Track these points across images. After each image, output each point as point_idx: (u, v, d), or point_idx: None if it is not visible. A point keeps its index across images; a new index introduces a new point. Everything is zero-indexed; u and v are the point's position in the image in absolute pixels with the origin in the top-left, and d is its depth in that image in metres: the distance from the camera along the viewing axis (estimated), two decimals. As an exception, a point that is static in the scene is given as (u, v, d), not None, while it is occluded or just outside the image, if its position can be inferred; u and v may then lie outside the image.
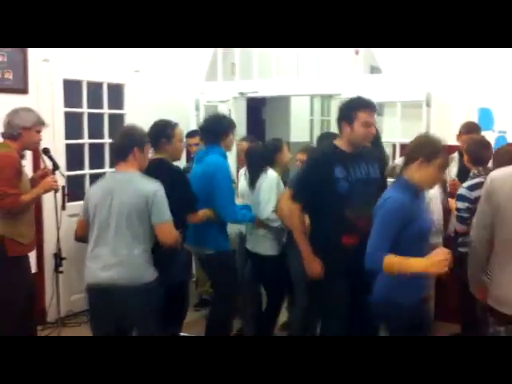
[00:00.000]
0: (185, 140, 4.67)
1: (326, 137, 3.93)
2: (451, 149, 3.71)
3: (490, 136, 4.35)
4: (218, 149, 3.73)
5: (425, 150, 2.62)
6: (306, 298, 3.75)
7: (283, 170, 4.04)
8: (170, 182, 3.11)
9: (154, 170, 3.15)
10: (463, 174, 4.12)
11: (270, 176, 3.84)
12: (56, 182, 3.70)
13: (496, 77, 4.42)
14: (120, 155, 3.02)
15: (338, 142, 3.15)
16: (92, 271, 2.97)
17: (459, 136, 4.31)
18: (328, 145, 3.23)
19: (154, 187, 2.95)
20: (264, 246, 3.86)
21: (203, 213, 3.57)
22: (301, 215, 3.15)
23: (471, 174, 3.78)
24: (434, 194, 3.76)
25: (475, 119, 4.52)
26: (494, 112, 4.50)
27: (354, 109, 3.03)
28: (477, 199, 3.51)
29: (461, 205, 3.67)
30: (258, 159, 3.96)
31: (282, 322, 4.50)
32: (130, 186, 2.95)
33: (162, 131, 3.50)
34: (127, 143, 3.02)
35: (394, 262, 2.47)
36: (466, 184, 3.72)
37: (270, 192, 3.79)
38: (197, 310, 4.94)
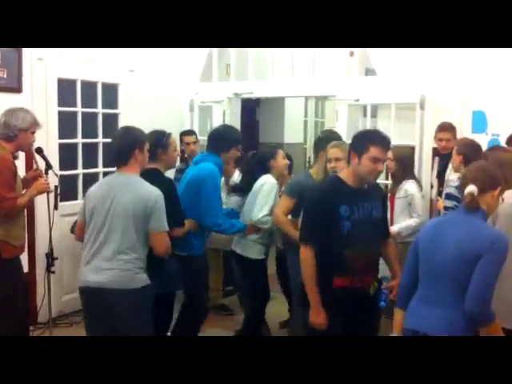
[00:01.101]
0: (178, 141, 4.69)
1: (326, 137, 3.93)
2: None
3: (484, 139, 4.36)
4: (215, 158, 3.74)
5: (496, 179, 2.50)
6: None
7: (279, 177, 4.03)
8: (162, 193, 3.08)
9: (148, 179, 3.11)
10: (442, 177, 4.32)
11: (270, 181, 3.85)
12: (48, 183, 3.68)
13: (490, 80, 4.43)
14: (121, 159, 3.00)
15: (343, 175, 2.98)
16: (84, 274, 2.96)
17: (448, 138, 4.36)
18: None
19: (154, 194, 2.94)
20: (253, 250, 3.87)
21: (187, 225, 3.56)
22: (314, 260, 2.89)
23: (459, 174, 3.79)
24: (414, 190, 4.21)
25: (469, 122, 4.54)
26: (487, 115, 4.51)
27: (367, 141, 2.86)
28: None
29: (448, 203, 3.83)
30: (254, 165, 4.03)
31: (281, 321, 4.55)
32: (130, 190, 2.93)
33: (158, 141, 3.50)
34: (127, 146, 2.99)
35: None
36: (454, 184, 3.87)
37: (268, 196, 3.78)
38: None
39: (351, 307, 2.88)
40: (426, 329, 2.38)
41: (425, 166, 4.68)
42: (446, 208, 3.83)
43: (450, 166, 4.13)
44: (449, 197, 3.83)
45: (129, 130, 3.14)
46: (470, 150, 3.83)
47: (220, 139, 3.80)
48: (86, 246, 2.99)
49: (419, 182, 4.43)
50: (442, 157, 4.39)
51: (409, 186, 4.24)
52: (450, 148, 4.20)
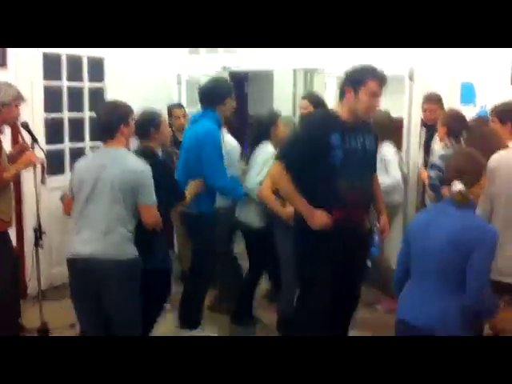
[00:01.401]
0: (167, 115, 4.65)
1: None
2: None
3: (472, 110, 4.37)
4: (212, 113, 3.70)
5: (483, 167, 2.47)
6: (294, 288, 3.50)
7: (279, 145, 3.90)
8: (156, 171, 3.10)
9: (142, 158, 3.12)
10: (427, 148, 4.39)
11: (267, 150, 3.81)
12: (35, 156, 3.65)
13: (478, 51, 4.41)
14: (107, 134, 3.00)
15: (336, 108, 2.88)
16: (73, 245, 2.98)
17: (434, 109, 4.36)
18: (325, 110, 3.03)
19: (141, 167, 2.96)
20: (254, 217, 3.86)
21: (192, 189, 3.58)
22: (288, 176, 2.82)
23: (443, 144, 3.93)
24: (390, 155, 4.26)
25: (457, 93, 4.54)
26: (476, 86, 4.51)
27: (365, 75, 2.75)
28: None
29: (433, 173, 3.82)
30: (256, 133, 3.96)
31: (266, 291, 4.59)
32: (117, 164, 2.94)
33: (151, 120, 3.46)
34: (113, 121, 2.99)
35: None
36: (438, 154, 3.90)
37: (263, 165, 3.73)
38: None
39: (349, 241, 2.80)
40: (420, 321, 2.35)
41: (413, 137, 4.69)
42: (430, 178, 3.84)
43: (436, 136, 4.13)
44: (433, 167, 3.84)
45: (114, 104, 3.13)
46: (455, 122, 3.86)
47: (212, 92, 3.73)
48: (75, 219, 3.00)
49: (396, 145, 4.46)
50: (428, 127, 4.40)
51: (385, 147, 4.27)
52: (436, 119, 4.20)
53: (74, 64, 4.92)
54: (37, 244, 3.81)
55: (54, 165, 4.72)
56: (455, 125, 3.84)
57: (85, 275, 2.93)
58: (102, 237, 2.90)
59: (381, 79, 2.78)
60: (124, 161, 2.96)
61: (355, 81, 2.75)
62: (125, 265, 2.92)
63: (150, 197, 2.97)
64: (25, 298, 4.38)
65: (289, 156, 2.85)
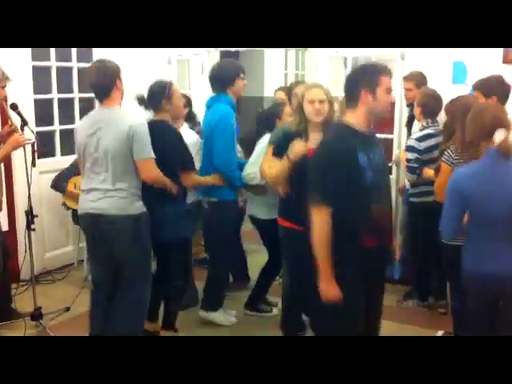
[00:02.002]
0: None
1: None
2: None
3: (463, 89, 4.35)
4: (224, 97, 3.70)
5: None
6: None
7: None
8: (171, 144, 3.22)
9: (156, 132, 3.19)
10: (409, 128, 4.39)
11: (265, 141, 3.70)
12: (24, 137, 3.62)
13: (470, 30, 4.39)
14: (103, 93, 3.09)
15: (350, 119, 2.56)
16: (83, 202, 3.18)
17: (410, 88, 4.35)
18: (339, 126, 2.63)
19: (134, 123, 3.05)
20: (263, 211, 3.87)
21: (210, 179, 3.64)
22: (329, 224, 2.47)
23: (420, 125, 3.95)
24: None
25: (449, 73, 4.51)
26: (467, 65, 4.50)
27: (378, 73, 2.53)
28: (426, 150, 3.81)
29: (410, 155, 3.83)
30: (259, 125, 3.98)
31: None
32: (113, 122, 3.06)
33: (162, 92, 3.43)
34: (107, 78, 3.09)
35: None
36: (415, 135, 3.91)
37: (260, 154, 3.64)
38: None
39: (379, 269, 2.69)
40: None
41: (405, 118, 4.67)
42: (407, 160, 3.84)
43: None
44: (410, 149, 3.84)
45: (103, 63, 3.17)
46: (430, 101, 3.87)
47: (220, 76, 3.72)
48: (84, 178, 3.20)
49: None
50: (411, 107, 4.35)
51: None
52: (413, 98, 4.17)
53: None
54: (29, 227, 3.79)
55: (45, 147, 4.67)
56: (430, 104, 3.85)
57: (95, 228, 3.14)
58: (109, 194, 3.07)
59: (390, 73, 2.62)
60: (119, 120, 3.07)
61: (370, 81, 2.52)
62: (133, 219, 3.09)
63: (144, 151, 3.06)
64: (18, 283, 4.38)
65: (327, 197, 2.48)
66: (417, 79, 4.31)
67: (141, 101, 3.49)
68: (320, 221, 2.46)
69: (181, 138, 3.51)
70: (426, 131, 3.85)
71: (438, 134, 3.76)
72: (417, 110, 3.93)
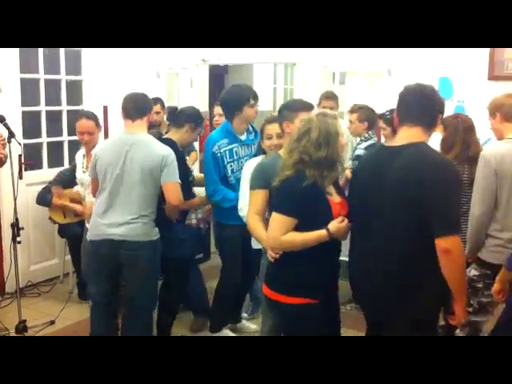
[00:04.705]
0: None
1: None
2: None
3: (449, 105, 4.41)
4: (224, 124, 3.65)
5: None
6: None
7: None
8: (179, 165, 3.19)
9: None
10: None
11: (249, 165, 3.20)
12: (3, 150, 3.58)
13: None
14: (138, 114, 3.14)
15: (426, 141, 2.38)
16: (102, 227, 3.12)
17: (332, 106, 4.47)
18: (425, 148, 2.32)
19: (168, 151, 3.12)
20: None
21: (198, 199, 3.63)
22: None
23: (362, 137, 4.26)
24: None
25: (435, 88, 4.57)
26: (453, 81, 4.56)
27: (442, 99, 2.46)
28: None
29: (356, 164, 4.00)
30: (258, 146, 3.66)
31: None
32: (145, 147, 3.10)
33: (197, 118, 3.58)
34: (147, 104, 3.22)
35: None
36: (362, 145, 4.20)
37: (247, 183, 3.00)
38: None
39: None
40: None
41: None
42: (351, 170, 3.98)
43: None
44: (358, 158, 4.03)
45: (144, 94, 3.29)
46: (373, 116, 4.23)
47: (227, 102, 3.64)
48: (101, 201, 3.15)
49: None
50: None
51: None
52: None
53: (51, 57, 4.85)
54: (14, 240, 3.76)
55: (32, 159, 4.65)
56: (373, 119, 4.22)
57: (109, 256, 3.10)
58: (133, 219, 3.06)
59: None
60: (149, 144, 3.12)
61: (443, 107, 2.46)
62: (153, 245, 3.13)
63: (174, 176, 3.11)
64: (3, 295, 4.34)
65: (459, 224, 2.40)
66: (336, 97, 4.63)
67: (170, 112, 3.60)
68: (460, 247, 2.26)
69: (186, 163, 3.62)
70: (370, 141, 4.20)
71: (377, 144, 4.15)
72: (362, 126, 4.23)
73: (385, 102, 4.74)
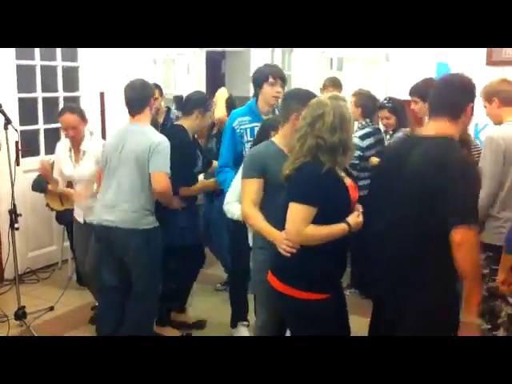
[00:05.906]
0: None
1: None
2: (408, 103, 3.75)
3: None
4: (250, 102, 3.52)
5: None
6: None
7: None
8: (182, 151, 3.22)
9: (173, 133, 3.30)
10: None
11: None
12: None
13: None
14: (139, 106, 3.16)
15: (454, 133, 2.27)
16: (97, 212, 3.22)
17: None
18: (452, 142, 2.23)
19: (158, 139, 3.11)
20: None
21: (200, 184, 3.64)
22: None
23: (359, 125, 4.19)
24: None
25: (433, 74, 4.57)
26: (450, 66, 4.55)
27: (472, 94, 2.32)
28: (367, 147, 4.08)
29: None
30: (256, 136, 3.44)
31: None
32: (139, 136, 3.13)
33: (204, 102, 3.58)
34: (146, 94, 3.20)
35: None
36: (357, 133, 4.11)
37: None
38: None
39: None
40: None
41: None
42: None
43: None
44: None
45: (143, 81, 3.28)
46: (369, 102, 4.15)
47: (253, 78, 3.49)
48: (102, 189, 3.25)
49: None
50: None
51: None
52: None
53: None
54: (12, 226, 3.76)
55: (29, 146, 4.64)
56: (370, 105, 4.13)
57: (107, 239, 3.20)
58: (123, 207, 3.11)
59: None
60: (143, 135, 3.12)
61: (474, 96, 2.32)
62: (144, 233, 3.13)
63: (160, 165, 3.08)
64: (2, 282, 4.35)
65: (476, 217, 2.21)
66: (338, 83, 4.63)
67: (177, 101, 3.58)
68: (473, 242, 2.12)
69: (195, 149, 3.61)
70: (366, 130, 4.13)
71: (376, 133, 4.13)
72: (357, 111, 4.14)
73: (382, 87, 4.74)
